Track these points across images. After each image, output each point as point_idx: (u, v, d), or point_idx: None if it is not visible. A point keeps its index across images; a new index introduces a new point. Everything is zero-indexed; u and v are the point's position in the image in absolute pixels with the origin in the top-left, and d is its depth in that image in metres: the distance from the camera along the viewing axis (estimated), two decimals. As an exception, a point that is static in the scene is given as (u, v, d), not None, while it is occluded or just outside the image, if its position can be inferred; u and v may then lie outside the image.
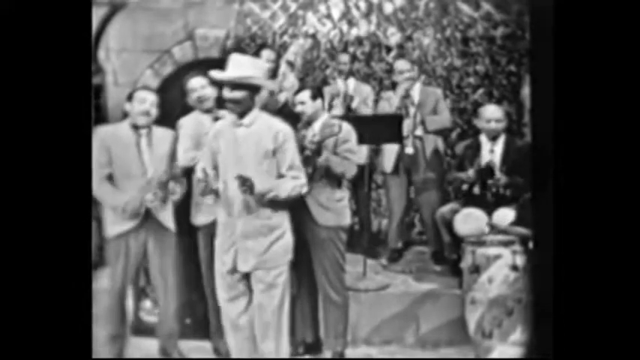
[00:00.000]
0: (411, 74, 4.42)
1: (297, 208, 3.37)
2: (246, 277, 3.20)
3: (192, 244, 3.57)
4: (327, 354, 3.55)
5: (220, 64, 3.23)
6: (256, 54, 4.51)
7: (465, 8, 5.11)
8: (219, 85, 3.29)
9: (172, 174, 3.46)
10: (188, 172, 3.47)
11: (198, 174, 3.15)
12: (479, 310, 3.43)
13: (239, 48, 4.97)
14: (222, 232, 3.22)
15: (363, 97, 4.69)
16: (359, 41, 5.21)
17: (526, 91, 4.72)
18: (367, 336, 3.83)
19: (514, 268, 3.41)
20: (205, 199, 3.15)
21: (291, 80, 4.50)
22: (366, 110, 4.62)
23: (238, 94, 3.10)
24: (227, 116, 3.27)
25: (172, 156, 3.50)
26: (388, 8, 5.23)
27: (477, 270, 3.46)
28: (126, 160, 3.41)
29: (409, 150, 4.40)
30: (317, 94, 3.53)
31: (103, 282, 3.43)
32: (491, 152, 4.01)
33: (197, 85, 3.63)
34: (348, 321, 3.55)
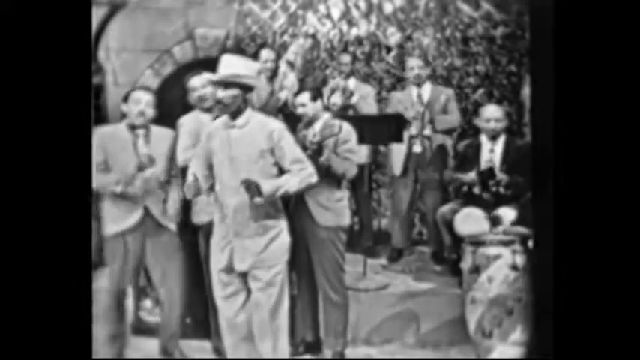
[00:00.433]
0: (422, 71, 4.42)
1: (297, 208, 3.38)
2: (243, 275, 3.20)
3: (193, 243, 3.57)
4: (327, 353, 3.55)
5: (220, 64, 3.24)
6: (256, 54, 4.52)
7: (465, 8, 5.11)
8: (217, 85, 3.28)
9: (172, 174, 3.47)
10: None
11: (189, 178, 3.14)
12: (479, 309, 3.43)
13: (239, 48, 4.98)
14: (218, 231, 3.22)
15: (363, 95, 4.69)
16: (359, 41, 5.21)
17: (526, 91, 4.72)
18: (367, 336, 3.82)
19: (514, 267, 3.41)
20: (206, 198, 3.14)
21: (291, 80, 4.50)
22: (367, 108, 4.61)
23: (229, 93, 3.11)
24: (222, 116, 3.27)
25: (171, 155, 3.50)
26: (388, 8, 5.23)
27: (477, 269, 3.46)
28: (123, 161, 3.41)
29: (417, 149, 4.39)
30: (317, 95, 3.53)
31: (103, 281, 3.43)
32: (492, 152, 4.01)
33: (198, 84, 3.63)
34: (348, 321, 3.55)
